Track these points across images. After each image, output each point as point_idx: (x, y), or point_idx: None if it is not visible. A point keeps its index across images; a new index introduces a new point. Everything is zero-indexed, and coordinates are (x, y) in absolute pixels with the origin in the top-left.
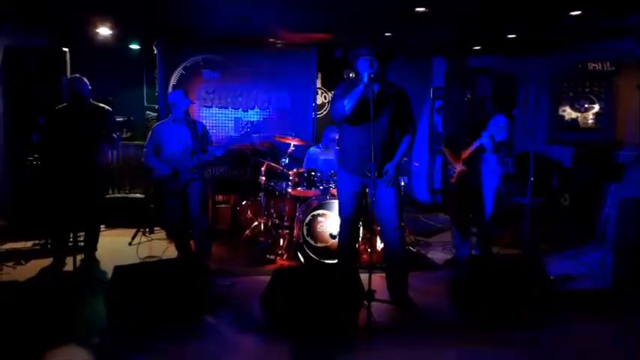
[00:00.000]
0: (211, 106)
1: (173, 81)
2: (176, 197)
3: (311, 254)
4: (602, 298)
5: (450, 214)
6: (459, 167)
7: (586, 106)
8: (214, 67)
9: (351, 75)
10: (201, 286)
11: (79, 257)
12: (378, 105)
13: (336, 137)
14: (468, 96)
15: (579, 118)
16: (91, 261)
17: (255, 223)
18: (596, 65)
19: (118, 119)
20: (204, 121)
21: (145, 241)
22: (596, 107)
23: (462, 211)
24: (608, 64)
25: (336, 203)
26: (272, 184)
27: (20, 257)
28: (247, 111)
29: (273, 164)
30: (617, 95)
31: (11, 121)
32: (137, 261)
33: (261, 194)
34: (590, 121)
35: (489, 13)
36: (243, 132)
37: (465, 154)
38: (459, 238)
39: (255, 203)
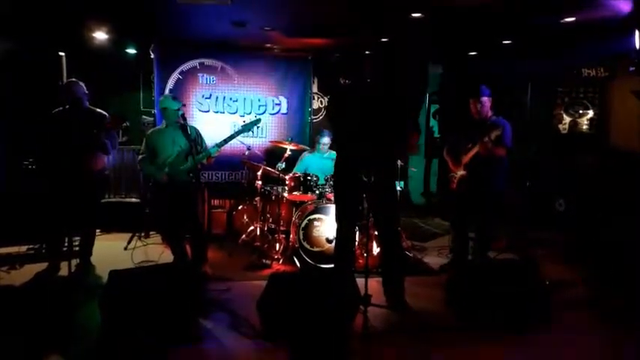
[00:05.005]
0: (208, 111)
1: (170, 85)
2: (172, 201)
3: (307, 259)
4: (598, 302)
5: (449, 220)
6: (459, 173)
7: (580, 111)
8: (211, 72)
9: (346, 80)
10: (196, 291)
11: (74, 262)
12: (374, 108)
13: (329, 141)
14: (468, 100)
15: (574, 124)
16: (86, 265)
17: (251, 228)
18: (590, 71)
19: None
20: (200, 126)
21: (140, 246)
22: (591, 113)
23: (461, 216)
24: (602, 69)
25: (332, 208)
26: (268, 188)
27: (15, 262)
28: (244, 116)
29: (269, 168)
30: (611, 101)
31: (6, 126)
32: (132, 266)
33: (257, 199)
34: (584, 127)
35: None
36: (236, 130)
37: (466, 159)
38: (458, 242)
39: (251, 208)
